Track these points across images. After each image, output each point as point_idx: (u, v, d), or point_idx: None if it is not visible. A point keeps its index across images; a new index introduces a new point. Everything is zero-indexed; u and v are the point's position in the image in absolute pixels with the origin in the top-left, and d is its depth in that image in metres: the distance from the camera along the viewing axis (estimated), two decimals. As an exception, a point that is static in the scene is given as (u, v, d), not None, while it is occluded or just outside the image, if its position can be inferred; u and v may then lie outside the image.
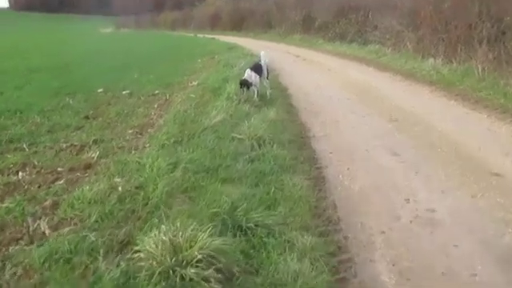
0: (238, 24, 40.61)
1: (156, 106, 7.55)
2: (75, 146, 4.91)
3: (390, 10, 16.88)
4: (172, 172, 3.68)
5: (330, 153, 5.27)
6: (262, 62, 8.31)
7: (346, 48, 18.17)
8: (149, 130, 5.60)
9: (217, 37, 33.70)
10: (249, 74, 7.57)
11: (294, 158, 4.65)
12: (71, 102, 7.69)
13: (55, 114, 6.63)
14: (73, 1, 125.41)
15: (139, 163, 3.97)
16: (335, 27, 21.53)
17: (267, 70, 8.38)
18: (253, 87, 7.54)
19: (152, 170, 3.71)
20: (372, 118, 7.06)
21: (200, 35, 38.21)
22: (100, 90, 8.89)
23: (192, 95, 7.82)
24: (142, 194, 3.40)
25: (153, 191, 3.35)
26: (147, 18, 71.33)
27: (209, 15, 48.28)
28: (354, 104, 8.20)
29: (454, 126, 6.42)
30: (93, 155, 4.50)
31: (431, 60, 11.80)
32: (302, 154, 5.00)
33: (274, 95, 8.44)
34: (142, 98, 8.26)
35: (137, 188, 3.51)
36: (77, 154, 4.67)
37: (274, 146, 4.80)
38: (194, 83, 9.57)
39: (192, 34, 41.02)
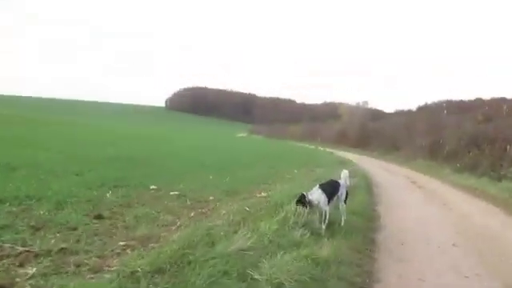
0: (363, 142, 40.22)
1: (193, 214, 6.64)
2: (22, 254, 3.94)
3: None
4: None
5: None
6: (342, 182, 7.13)
7: (475, 181, 15.75)
8: (150, 245, 4.62)
9: (338, 152, 33.45)
10: (313, 191, 6.50)
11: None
12: (108, 195, 7.28)
13: (68, 207, 6.02)
14: (219, 107, 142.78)
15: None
16: (465, 157, 19.23)
17: (346, 191, 7.13)
18: (317, 208, 6.45)
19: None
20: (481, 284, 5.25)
21: (321, 148, 38.54)
22: (153, 187, 8.45)
23: (247, 208, 7.03)
24: None
25: None
26: (279, 127, 75.99)
27: (336, 131, 49.16)
28: (461, 256, 6.39)
29: None
30: (29, 271, 3.48)
31: None
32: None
33: (355, 225, 7.16)
34: (189, 202, 7.53)
35: None
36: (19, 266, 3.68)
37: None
38: (263, 194, 8.81)
39: (313, 147, 41.64)
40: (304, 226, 6.14)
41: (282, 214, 6.44)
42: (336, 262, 4.89)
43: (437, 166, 21.93)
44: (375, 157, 32.16)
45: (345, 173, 7.36)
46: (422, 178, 18.03)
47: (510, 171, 14.93)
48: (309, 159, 21.24)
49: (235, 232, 5.39)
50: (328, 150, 36.04)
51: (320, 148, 39.15)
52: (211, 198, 8.03)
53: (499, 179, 15.11)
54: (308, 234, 5.86)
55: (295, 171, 14.64)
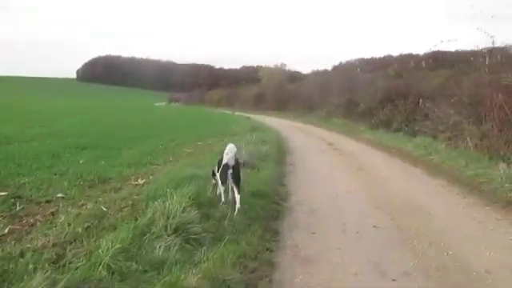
0: (280, 105, 39.45)
1: (7, 230, 4.27)
2: None
3: (445, 97, 14.01)
4: None
5: None
6: (225, 160, 5.50)
7: (390, 138, 15.15)
8: None
9: (256, 116, 32.14)
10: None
11: None
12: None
13: None
14: (136, 75, 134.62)
15: None
16: (379, 113, 18.72)
17: (237, 172, 5.54)
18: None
19: None
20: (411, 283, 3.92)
21: (238, 113, 37.04)
22: None
23: (103, 207, 5.00)
24: None
25: None
26: (198, 94, 73.22)
27: (253, 95, 47.84)
28: (385, 242, 5.05)
29: None
30: None
31: (502, 165, 8.45)
32: None
33: (254, 212, 5.53)
34: (19, 207, 5.16)
35: None
36: None
37: None
38: (141, 181, 6.81)
39: (230, 112, 40.06)
40: (176, 230, 4.33)
41: (148, 215, 4.56)
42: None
43: (352, 124, 21.43)
44: (292, 119, 31.37)
45: (230, 148, 5.61)
46: (338, 139, 17.19)
47: (423, 125, 14.42)
48: (220, 127, 19.39)
49: (54, 262, 3.43)
50: (245, 114, 34.52)
51: (237, 113, 37.54)
52: (60, 195, 5.79)
53: (413, 134, 14.61)
54: (178, 245, 4.07)
55: (199, 143, 12.72)
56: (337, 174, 9.43)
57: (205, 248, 4.10)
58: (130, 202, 5.36)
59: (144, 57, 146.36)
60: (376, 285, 3.94)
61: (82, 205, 5.34)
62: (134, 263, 3.54)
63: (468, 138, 11.00)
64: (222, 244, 4.27)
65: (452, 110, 11.99)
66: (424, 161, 10.67)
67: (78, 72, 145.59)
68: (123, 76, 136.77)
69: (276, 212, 6.15)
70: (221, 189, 5.72)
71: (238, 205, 5.42)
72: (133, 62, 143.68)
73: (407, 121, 16.54)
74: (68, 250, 3.72)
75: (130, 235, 3.95)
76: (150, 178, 7.07)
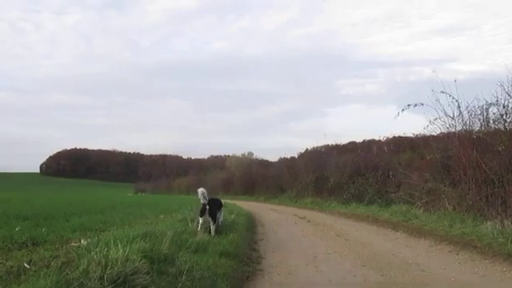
0: (249, 188, 38.63)
1: None
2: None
3: (414, 169, 13.82)
4: None
5: None
6: (201, 201, 7.68)
7: (364, 210, 14.45)
8: None
9: (224, 200, 30.96)
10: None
11: None
12: None
13: None
14: (102, 167, 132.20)
15: None
16: (350, 188, 18.25)
17: (209, 209, 7.56)
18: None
19: None
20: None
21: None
22: None
23: (26, 265, 3.87)
24: None
25: None
26: (165, 181, 71.72)
27: (222, 180, 47.02)
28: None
29: None
30: None
31: (490, 223, 7.83)
32: None
33: (219, 269, 4.50)
34: None
35: None
36: None
37: None
38: (84, 242, 5.61)
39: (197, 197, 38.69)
40: (115, 282, 3.26)
41: (82, 267, 3.49)
42: None
43: (323, 201, 20.77)
44: (262, 201, 30.46)
45: (200, 191, 7.70)
46: (311, 214, 16.31)
47: (397, 195, 13.95)
48: (188, 202, 18.22)
49: None
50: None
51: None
52: None
53: (388, 205, 14.03)
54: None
55: (161, 216, 11.52)
56: (313, 241, 8.48)
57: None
58: (63, 259, 4.24)
59: (110, 149, 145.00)
60: None
61: (0, 263, 4.17)
62: None
63: (446, 201, 10.50)
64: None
65: (427, 174, 11.63)
66: (404, 225, 9.93)
67: (41, 166, 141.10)
68: (89, 168, 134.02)
69: (247, 273, 5.11)
70: (199, 221, 7.53)
71: (212, 232, 7.26)
72: (99, 154, 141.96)
73: (379, 193, 16.09)
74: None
75: (49, 286, 2.87)
76: (96, 239, 5.91)
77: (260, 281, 4.82)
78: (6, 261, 4.32)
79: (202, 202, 7.53)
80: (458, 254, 6.38)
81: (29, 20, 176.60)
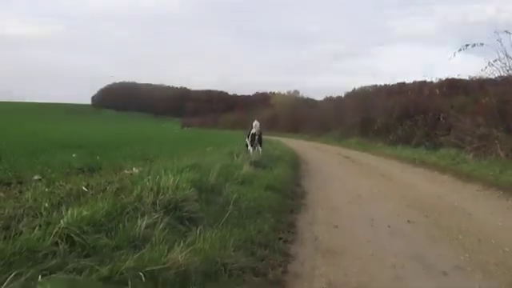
0: (294, 127, 38.77)
1: None
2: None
3: (467, 113, 13.19)
4: None
5: None
6: (253, 130, 9.96)
7: (411, 152, 14.23)
8: None
9: (270, 137, 31.41)
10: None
11: None
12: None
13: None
14: (150, 101, 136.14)
15: None
16: (397, 130, 17.85)
17: (259, 136, 9.94)
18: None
19: None
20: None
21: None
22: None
23: (84, 188, 4.25)
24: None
25: None
26: (212, 117, 72.98)
27: (267, 117, 47.28)
28: (424, 237, 4.22)
29: None
30: None
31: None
32: None
33: (266, 203, 4.75)
34: None
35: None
36: None
37: None
38: (136, 170, 5.91)
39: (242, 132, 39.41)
40: (167, 207, 3.58)
41: (135, 192, 3.82)
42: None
43: (369, 142, 20.56)
44: (307, 139, 30.59)
45: (256, 123, 9.98)
46: (355, 154, 16.32)
47: (447, 139, 13.54)
48: (234, 138, 18.77)
49: None
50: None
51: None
52: (36, 177, 5.23)
53: (436, 148, 13.71)
54: (167, 223, 3.30)
55: (208, 149, 12.02)
56: (357, 180, 8.61)
57: (201, 227, 3.32)
58: (117, 185, 4.64)
59: (158, 83, 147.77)
60: (422, 279, 3.11)
61: (61, 185, 4.65)
62: (104, 237, 2.79)
63: (499, 147, 10.12)
64: (224, 227, 3.50)
65: (480, 118, 11.13)
66: (452, 169, 9.77)
67: (92, 98, 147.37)
68: (137, 102, 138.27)
69: (291, 206, 5.36)
70: (250, 149, 9.51)
71: (260, 153, 9.29)
72: (147, 88, 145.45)
73: (428, 136, 15.66)
74: (22, 222, 2.97)
75: (106, 208, 3.20)
76: (147, 168, 6.34)
77: (304, 215, 5.06)
78: (66, 184, 4.78)
79: (253, 131, 9.75)
80: (507, 200, 6.29)
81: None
